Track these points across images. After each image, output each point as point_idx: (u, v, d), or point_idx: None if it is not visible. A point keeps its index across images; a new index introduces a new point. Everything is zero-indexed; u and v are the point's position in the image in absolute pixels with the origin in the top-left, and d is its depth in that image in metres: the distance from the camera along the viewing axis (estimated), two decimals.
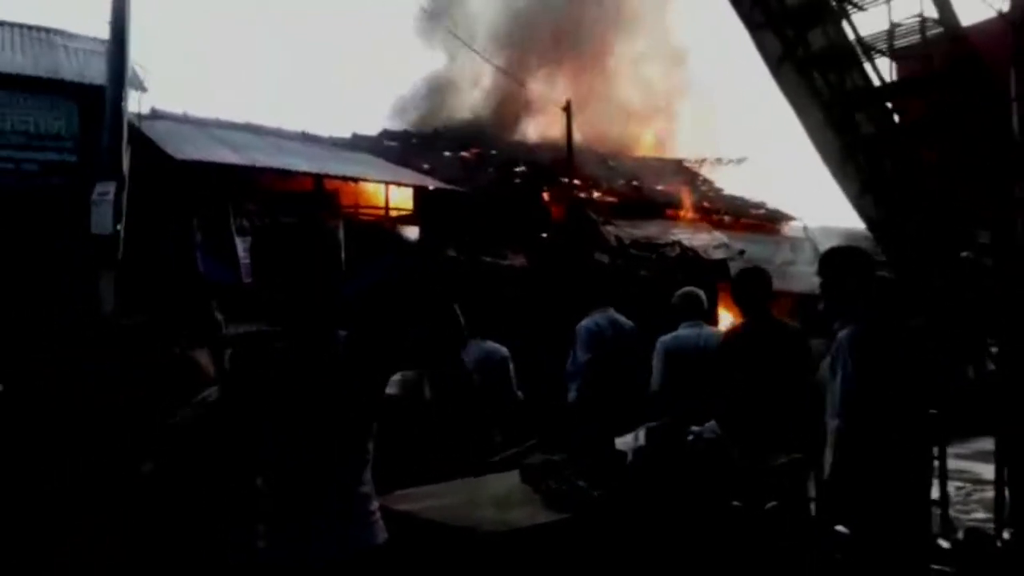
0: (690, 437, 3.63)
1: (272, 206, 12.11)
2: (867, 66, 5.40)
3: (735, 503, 3.21)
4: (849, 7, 5.28)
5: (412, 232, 13.13)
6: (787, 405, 4.41)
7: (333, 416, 2.34)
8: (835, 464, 3.72)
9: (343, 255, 12.13)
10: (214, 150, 12.72)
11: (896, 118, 5.55)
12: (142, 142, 11.56)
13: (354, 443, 2.40)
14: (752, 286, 4.93)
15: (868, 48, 5.37)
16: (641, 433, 3.55)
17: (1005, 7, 5.14)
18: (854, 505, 3.65)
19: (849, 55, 5.39)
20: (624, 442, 3.60)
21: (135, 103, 11.72)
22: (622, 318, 5.95)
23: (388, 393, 3.04)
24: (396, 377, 4.01)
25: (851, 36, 5.35)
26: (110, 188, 9.22)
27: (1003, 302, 4.96)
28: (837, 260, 3.97)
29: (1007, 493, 5.39)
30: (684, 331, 5.59)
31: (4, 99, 11.17)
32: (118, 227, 9.21)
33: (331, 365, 2.37)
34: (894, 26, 5.13)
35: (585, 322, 5.87)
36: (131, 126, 10.53)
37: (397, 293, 10.38)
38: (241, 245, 11.09)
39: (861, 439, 3.61)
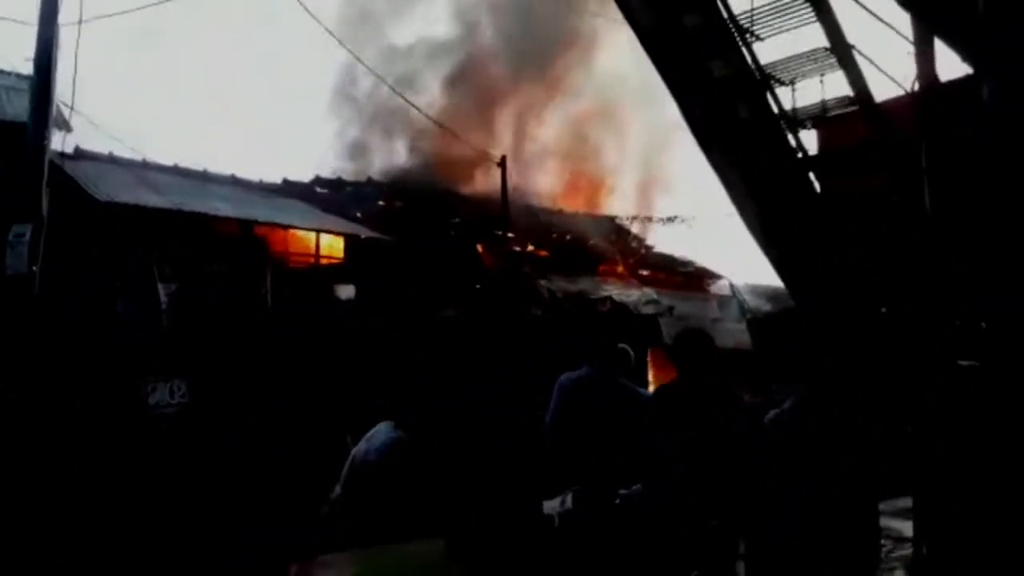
0: (617, 501, 3.62)
1: (198, 251, 11.84)
2: (790, 137, 5.62)
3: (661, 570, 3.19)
4: (772, 81, 5.50)
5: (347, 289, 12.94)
6: (721, 468, 4.40)
7: None
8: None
9: (269, 301, 11.97)
10: (139, 192, 12.41)
11: (816, 187, 5.77)
12: (65, 182, 11.21)
13: None
14: (691, 349, 4.89)
15: (791, 120, 5.59)
16: (568, 497, 3.52)
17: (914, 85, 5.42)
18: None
19: (772, 126, 5.60)
20: (551, 506, 3.56)
21: (59, 142, 11.39)
22: (606, 375, 5.55)
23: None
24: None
25: (775, 109, 5.58)
26: (27, 230, 8.93)
27: (916, 367, 5.12)
28: (775, 327, 4.06)
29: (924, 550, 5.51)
30: None
31: None
32: (34, 268, 8.93)
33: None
34: (813, 105, 5.40)
35: (561, 377, 5.74)
36: (53, 165, 10.20)
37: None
38: (163, 291, 10.78)
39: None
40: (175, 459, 5.25)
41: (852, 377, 4.68)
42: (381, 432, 4.21)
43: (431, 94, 24.56)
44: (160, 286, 10.94)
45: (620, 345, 5.83)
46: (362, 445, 4.21)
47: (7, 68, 12.14)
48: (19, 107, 10.64)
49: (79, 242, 10.52)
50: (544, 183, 24.05)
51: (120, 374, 7.94)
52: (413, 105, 18.85)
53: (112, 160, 14.14)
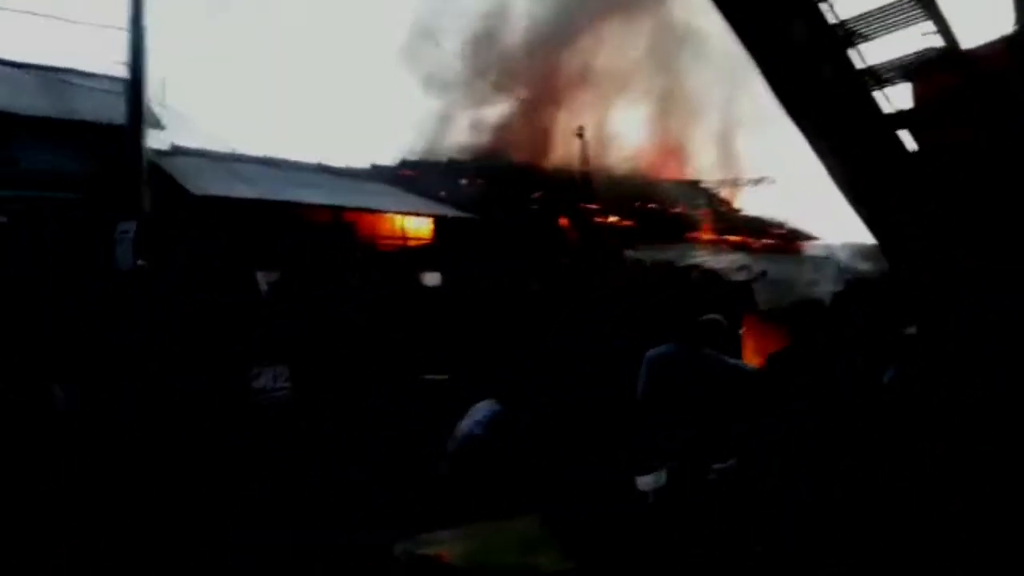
0: (711, 476, 3.58)
1: (290, 239, 12.19)
2: (876, 94, 5.34)
3: (756, 548, 3.16)
4: (855, 37, 5.22)
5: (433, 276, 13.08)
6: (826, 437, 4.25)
7: None
8: None
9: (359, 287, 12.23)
10: (231, 185, 12.86)
11: (911, 143, 5.47)
12: (162, 178, 11.71)
13: None
14: (800, 318, 4.78)
15: (877, 76, 5.31)
16: (663, 473, 3.51)
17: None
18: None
19: (856, 83, 5.33)
20: (646, 482, 3.56)
21: (154, 140, 11.90)
22: (692, 349, 5.35)
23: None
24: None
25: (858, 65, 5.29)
26: (131, 227, 9.42)
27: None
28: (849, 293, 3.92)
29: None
30: None
31: (22, 141, 11.34)
32: (139, 263, 9.41)
33: None
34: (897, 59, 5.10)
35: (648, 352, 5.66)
36: (150, 163, 10.67)
37: None
38: (263, 279, 11.14)
39: None
40: (286, 442, 5.45)
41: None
42: (483, 408, 4.36)
43: (512, 67, 24.53)
44: (259, 274, 11.31)
45: (709, 316, 5.71)
46: (465, 422, 4.34)
47: (100, 72, 12.69)
48: (114, 109, 11.13)
49: (178, 234, 10.98)
50: (628, 149, 23.74)
51: (226, 360, 8.26)
52: (493, 84, 18.83)
53: (204, 155, 14.70)
